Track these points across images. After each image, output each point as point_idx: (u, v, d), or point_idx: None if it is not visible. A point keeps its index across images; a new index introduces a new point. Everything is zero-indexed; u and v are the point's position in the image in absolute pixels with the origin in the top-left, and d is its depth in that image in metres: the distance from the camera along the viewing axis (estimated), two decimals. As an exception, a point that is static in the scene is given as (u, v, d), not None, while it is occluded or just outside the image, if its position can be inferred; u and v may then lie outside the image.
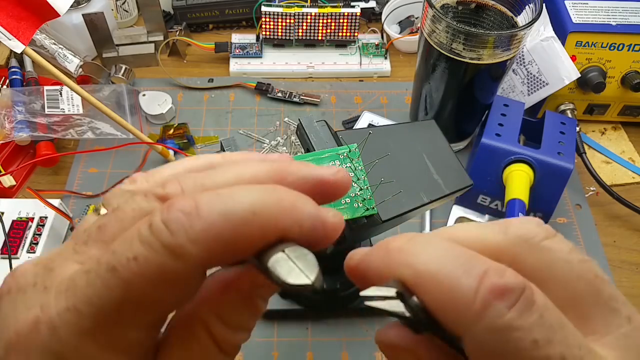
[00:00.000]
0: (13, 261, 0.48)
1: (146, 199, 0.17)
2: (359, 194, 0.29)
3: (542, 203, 0.52)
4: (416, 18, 0.74)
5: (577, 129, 0.58)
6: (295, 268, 0.16)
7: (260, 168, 0.18)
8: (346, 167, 0.29)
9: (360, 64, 0.71)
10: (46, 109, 0.58)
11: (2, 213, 0.52)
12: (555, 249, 0.17)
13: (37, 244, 0.50)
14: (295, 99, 0.67)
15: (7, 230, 0.51)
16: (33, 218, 0.52)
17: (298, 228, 0.16)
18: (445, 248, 0.16)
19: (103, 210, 0.18)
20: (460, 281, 0.15)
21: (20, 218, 0.52)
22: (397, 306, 0.15)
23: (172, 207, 0.15)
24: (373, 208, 0.29)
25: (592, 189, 0.60)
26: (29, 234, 0.51)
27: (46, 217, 0.52)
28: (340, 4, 0.70)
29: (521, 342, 0.15)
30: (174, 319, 0.18)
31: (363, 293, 0.16)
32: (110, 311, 0.15)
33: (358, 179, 0.29)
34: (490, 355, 0.15)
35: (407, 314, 0.15)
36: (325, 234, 0.17)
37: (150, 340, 0.17)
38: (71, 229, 0.54)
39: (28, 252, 0.50)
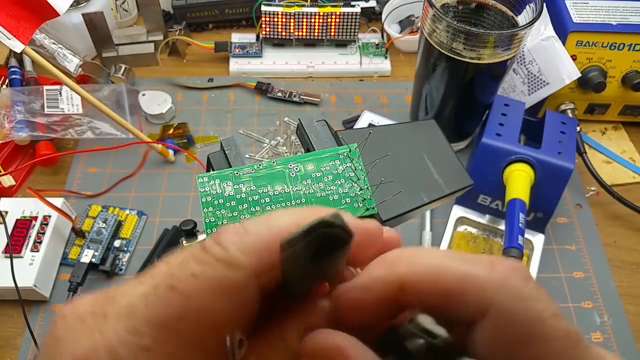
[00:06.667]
0: (16, 260, 0.48)
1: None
2: (359, 193, 0.29)
3: (542, 203, 0.52)
4: (416, 17, 0.74)
5: (578, 128, 0.58)
6: None
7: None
8: (346, 166, 0.29)
9: (361, 64, 0.71)
10: (46, 109, 0.58)
11: (6, 212, 0.52)
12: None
13: (40, 242, 0.50)
14: (295, 99, 0.67)
15: (11, 229, 0.51)
16: (37, 217, 0.52)
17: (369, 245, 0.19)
18: (443, 250, 0.17)
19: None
20: (473, 265, 0.16)
21: (24, 217, 0.52)
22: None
23: (221, 231, 0.17)
24: (373, 208, 0.29)
25: (592, 188, 0.60)
26: (33, 232, 0.51)
27: (50, 216, 0.52)
28: (341, 4, 0.70)
29: (543, 312, 0.15)
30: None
31: None
32: (170, 328, 0.16)
33: (358, 179, 0.29)
34: (515, 325, 0.15)
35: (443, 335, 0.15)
36: (370, 240, 0.19)
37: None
38: (72, 228, 0.54)
39: (32, 250, 0.50)
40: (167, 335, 0.16)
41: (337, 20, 0.69)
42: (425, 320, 0.16)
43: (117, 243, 0.54)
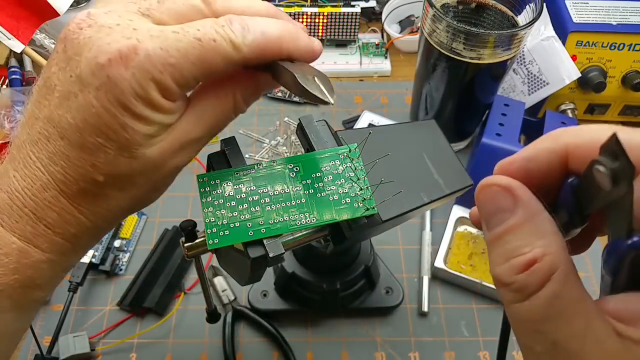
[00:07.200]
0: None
1: None
2: (359, 193, 0.29)
3: (542, 203, 0.52)
4: (416, 17, 0.74)
5: (578, 128, 0.58)
6: (320, 86, 0.26)
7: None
8: (346, 166, 0.29)
9: (361, 64, 0.71)
10: (46, 109, 0.58)
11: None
12: None
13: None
14: (295, 99, 0.67)
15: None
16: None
17: (297, 49, 0.27)
18: (605, 124, 0.19)
19: None
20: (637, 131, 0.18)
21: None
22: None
23: (232, 21, 0.25)
24: (373, 208, 0.29)
25: (592, 188, 0.60)
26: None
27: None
28: (340, 4, 0.70)
29: None
30: (210, 83, 0.29)
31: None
32: (187, 62, 0.24)
33: (358, 179, 0.29)
34: None
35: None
36: (312, 55, 0.28)
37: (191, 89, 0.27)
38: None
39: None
40: (183, 64, 0.24)
41: (337, 20, 0.69)
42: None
43: (117, 243, 0.54)
